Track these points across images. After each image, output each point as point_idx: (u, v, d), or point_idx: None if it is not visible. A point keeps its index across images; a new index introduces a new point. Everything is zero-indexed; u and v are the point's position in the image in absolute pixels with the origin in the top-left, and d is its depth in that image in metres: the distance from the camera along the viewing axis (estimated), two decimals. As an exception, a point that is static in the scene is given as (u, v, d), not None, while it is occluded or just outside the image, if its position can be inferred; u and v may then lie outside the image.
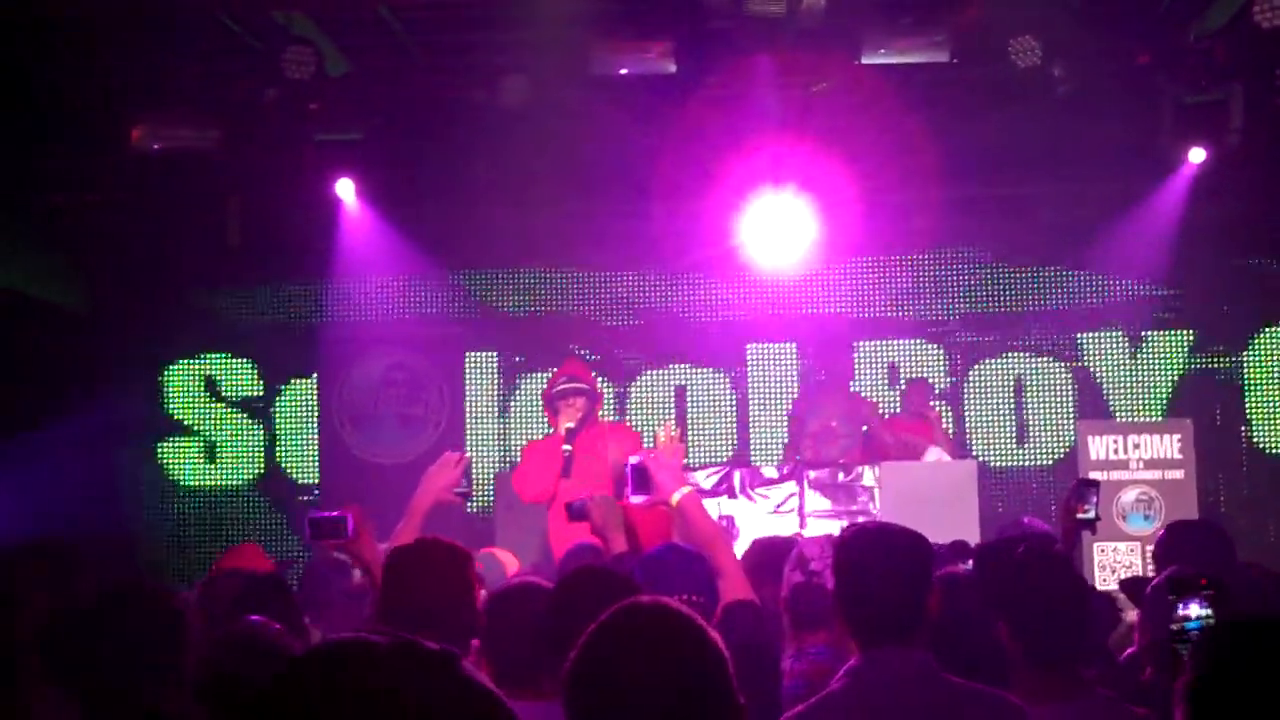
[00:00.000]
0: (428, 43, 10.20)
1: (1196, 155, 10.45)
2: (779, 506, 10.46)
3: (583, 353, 11.84)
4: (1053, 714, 3.82)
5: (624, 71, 9.65)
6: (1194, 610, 3.54)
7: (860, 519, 9.99)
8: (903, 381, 12.11)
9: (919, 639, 3.64)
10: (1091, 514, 5.71)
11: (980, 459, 11.64)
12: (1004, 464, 12.23)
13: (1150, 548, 10.06)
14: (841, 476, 10.47)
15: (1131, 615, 5.79)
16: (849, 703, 3.55)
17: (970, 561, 5.65)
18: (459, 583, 3.89)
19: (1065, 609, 4.01)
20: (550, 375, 11.81)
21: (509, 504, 9.87)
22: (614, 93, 9.90)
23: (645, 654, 2.43)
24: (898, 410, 11.78)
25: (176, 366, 12.85)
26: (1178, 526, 6.03)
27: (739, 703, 2.47)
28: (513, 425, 12.60)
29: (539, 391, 12.29)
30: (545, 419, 11.68)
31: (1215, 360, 12.20)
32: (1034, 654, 3.94)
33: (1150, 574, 6.01)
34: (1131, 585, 5.49)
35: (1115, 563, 10.13)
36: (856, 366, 12.43)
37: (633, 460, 5.44)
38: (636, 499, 5.48)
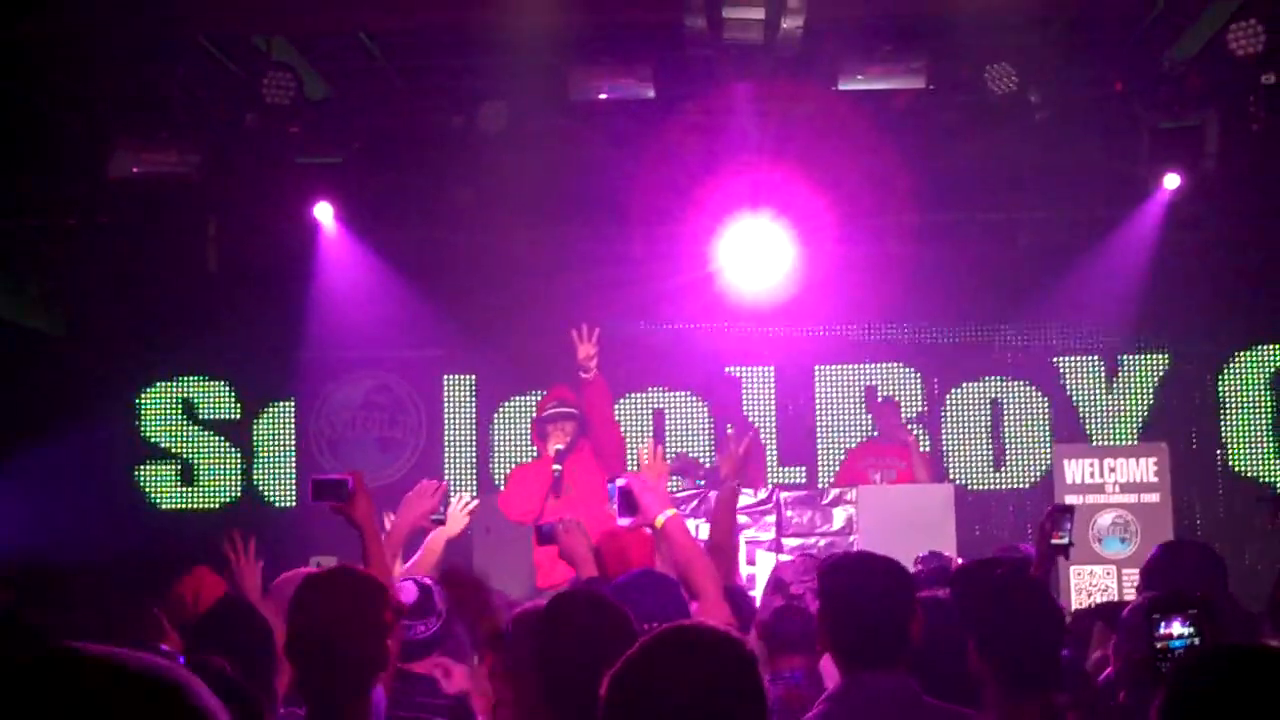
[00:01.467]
0: (407, 68, 10.22)
1: (1172, 181, 10.51)
2: (757, 530, 10.48)
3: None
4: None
5: (603, 96, 9.68)
6: (1176, 629, 3.56)
7: (837, 541, 10.04)
8: (880, 398, 12.16)
9: (901, 663, 3.68)
10: (1066, 540, 5.74)
11: (958, 482, 11.67)
12: (981, 487, 12.26)
13: (1127, 571, 10.21)
14: (820, 499, 10.50)
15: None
16: None
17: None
18: (365, 615, 3.86)
19: (1041, 635, 4.03)
20: (528, 398, 11.91)
21: (486, 527, 9.88)
22: (592, 118, 9.94)
23: (683, 677, 2.46)
24: (874, 434, 11.83)
25: (154, 390, 12.83)
26: (1171, 546, 6.05)
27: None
28: (492, 448, 12.62)
29: (516, 415, 12.36)
30: (525, 441, 11.74)
31: (1191, 382, 12.26)
32: (1006, 679, 3.96)
33: (1131, 595, 6.03)
34: (1108, 610, 5.52)
35: (1091, 586, 10.17)
36: (834, 390, 12.52)
37: (618, 482, 5.46)
38: (623, 521, 5.51)
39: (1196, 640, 3.63)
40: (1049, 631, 4.06)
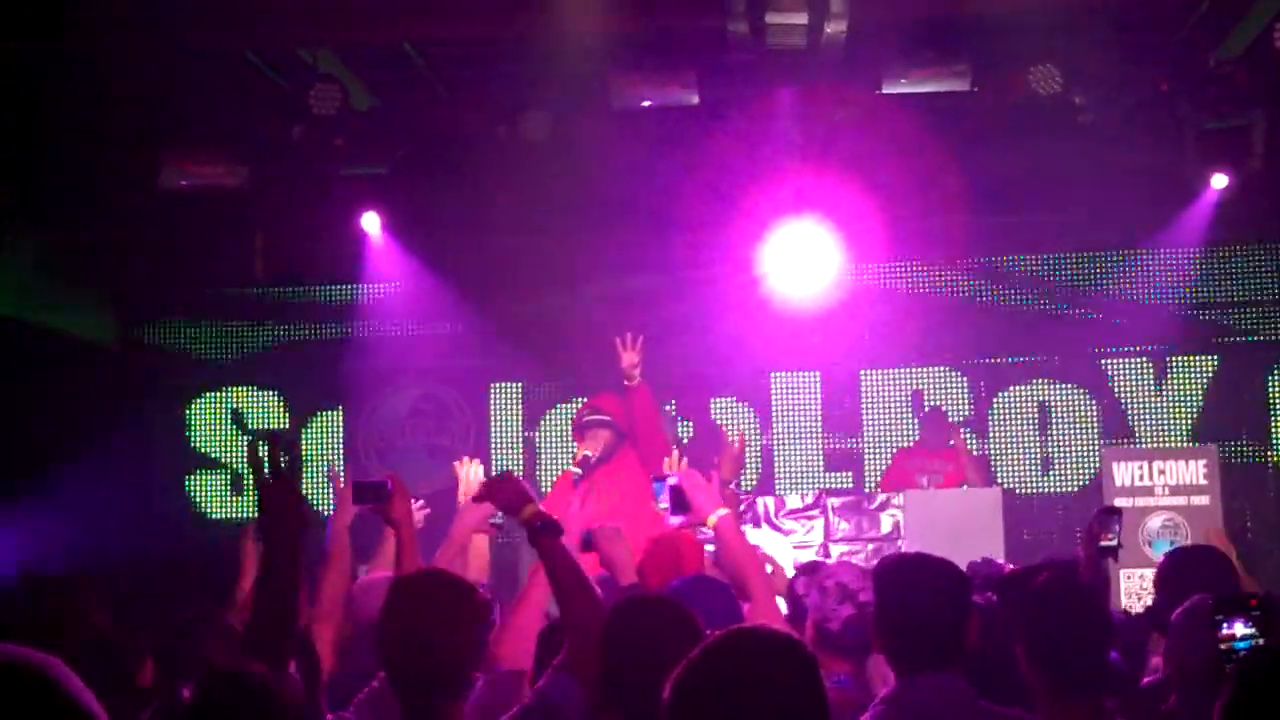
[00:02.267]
0: (451, 78, 10.27)
1: (1219, 181, 10.45)
2: (804, 534, 10.48)
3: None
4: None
5: (646, 104, 9.70)
6: (1239, 629, 3.53)
7: (884, 546, 10.03)
8: (927, 406, 12.13)
9: (956, 666, 3.68)
10: (1114, 542, 5.71)
11: (1005, 486, 11.61)
12: (1029, 491, 12.21)
13: (1177, 575, 10.13)
14: (867, 504, 10.49)
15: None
16: None
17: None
18: (458, 615, 3.88)
19: (1087, 638, 4.02)
20: (574, 406, 11.92)
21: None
22: (636, 125, 9.95)
23: (746, 680, 2.46)
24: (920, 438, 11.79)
25: (203, 400, 12.93)
26: (1181, 553, 6.04)
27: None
28: (538, 456, 12.65)
29: (562, 422, 12.38)
30: (571, 448, 11.76)
31: (1241, 383, 12.17)
32: (1055, 682, 3.96)
33: (1152, 600, 5.99)
34: (1153, 614, 5.48)
35: (1142, 590, 10.09)
36: (881, 395, 12.50)
37: (670, 481, 5.46)
38: (675, 520, 5.52)
39: (1260, 640, 3.61)
40: (1096, 634, 4.05)
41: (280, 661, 3.50)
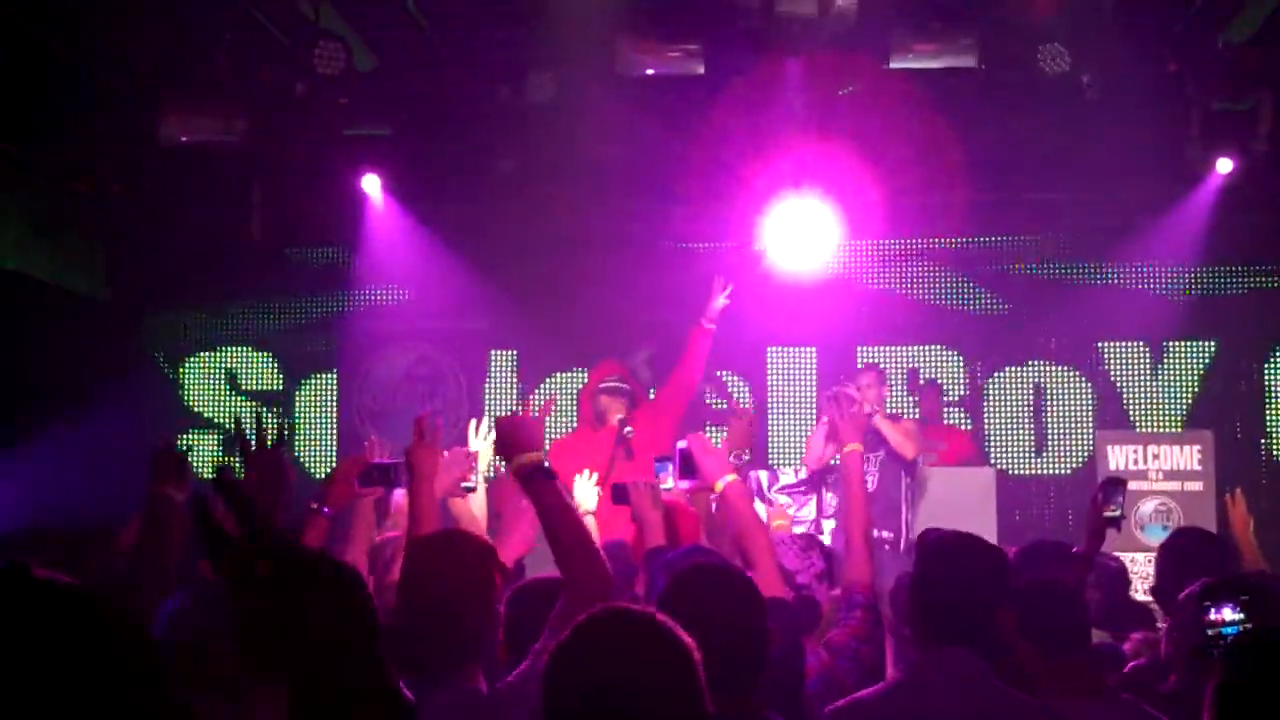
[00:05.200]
0: (455, 40, 10.20)
1: (1224, 165, 10.41)
2: (797, 509, 10.46)
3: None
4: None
5: (650, 72, 9.64)
6: (1227, 615, 3.55)
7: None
8: (922, 380, 12.10)
9: (978, 645, 3.72)
10: (1118, 513, 5.73)
11: (999, 467, 11.60)
12: (1022, 472, 12.19)
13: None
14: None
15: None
16: (905, 696, 3.64)
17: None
18: (475, 577, 3.84)
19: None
20: (571, 374, 11.92)
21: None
22: (640, 93, 9.89)
23: (617, 659, 2.44)
24: (917, 414, 11.74)
25: (196, 359, 12.87)
26: (1188, 533, 6.07)
27: (708, 708, 2.47)
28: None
29: (558, 390, 12.35)
30: (565, 416, 11.73)
31: (1237, 370, 12.15)
32: (1043, 648, 3.96)
33: (1153, 581, 6.00)
34: (1161, 594, 5.48)
35: (1134, 574, 10.09)
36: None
37: (680, 445, 5.44)
38: (682, 484, 5.50)
39: (1248, 626, 3.61)
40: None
41: None
